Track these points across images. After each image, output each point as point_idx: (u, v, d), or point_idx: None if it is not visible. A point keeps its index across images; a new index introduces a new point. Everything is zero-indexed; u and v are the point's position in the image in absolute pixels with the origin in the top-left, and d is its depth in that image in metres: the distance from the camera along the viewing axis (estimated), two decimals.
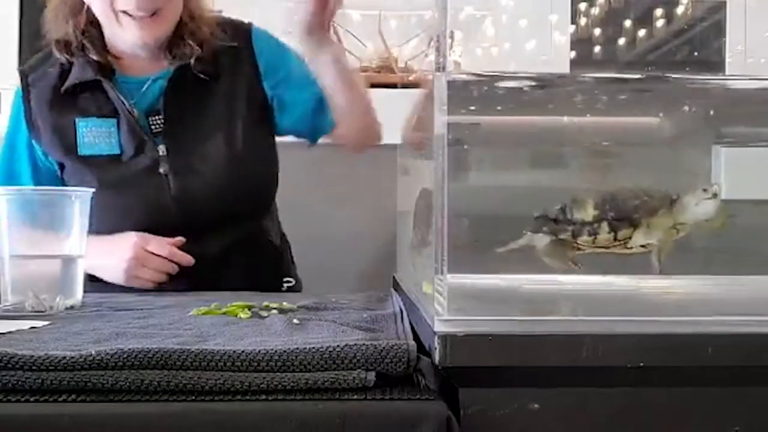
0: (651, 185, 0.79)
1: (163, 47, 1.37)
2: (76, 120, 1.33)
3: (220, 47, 1.38)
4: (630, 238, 0.76)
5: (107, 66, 1.34)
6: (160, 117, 1.34)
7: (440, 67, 0.73)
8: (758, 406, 0.69)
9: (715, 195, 0.74)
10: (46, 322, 0.88)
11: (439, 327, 0.67)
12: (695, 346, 0.67)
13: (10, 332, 0.81)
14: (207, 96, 1.35)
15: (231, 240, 1.37)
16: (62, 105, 1.32)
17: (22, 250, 1.04)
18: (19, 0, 2.18)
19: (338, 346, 0.66)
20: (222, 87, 1.36)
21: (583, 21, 1.92)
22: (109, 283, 1.38)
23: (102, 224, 1.34)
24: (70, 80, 1.33)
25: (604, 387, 0.68)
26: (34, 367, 0.63)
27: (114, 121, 1.32)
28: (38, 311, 1.01)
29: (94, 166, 1.33)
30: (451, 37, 0.75)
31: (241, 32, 1.43)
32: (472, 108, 0.76)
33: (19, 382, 0.63)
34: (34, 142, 1.36)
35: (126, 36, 1.31)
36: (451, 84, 0.73)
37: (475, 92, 0.76)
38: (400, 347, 0.66)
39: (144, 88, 1.35)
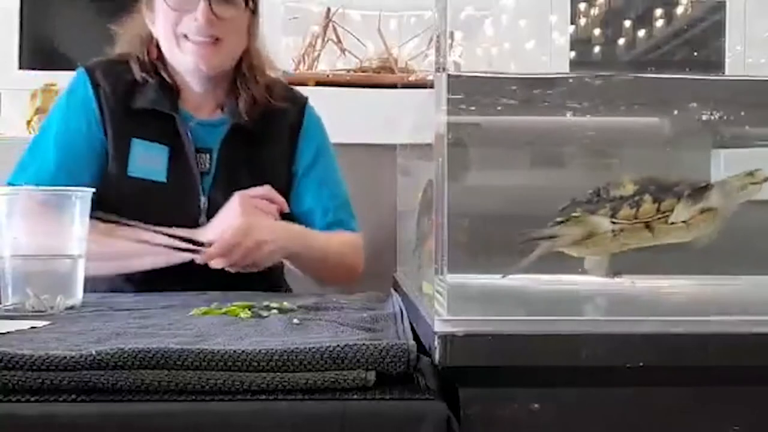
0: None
1: (220, 92, 1.38)
2: (133, 140, 1.33)
3: (274, 108, 1.40)
4: (672, 210, 0.75)
5: (175, 93, 1.36)
6: (210, 157, 1.35)
7: (440, 67, 0.73)
8: (758, 406, 0.69)
9: (766, 179, 0.73)
10: (46, 322, 0.88)
11: (439, 327, 0.67)
12: (695, 346, 0.67)
13: (10, 332, 0.81)
14: (253, 155, 1.36)
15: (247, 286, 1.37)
16: (125, 120, 1.33)
17: (23, 250, 1.04)
18: (19, 1, 2.18)
19: (338, 346, 0.66)
20: (266, 149, 1.38)
21: (582, 21, 1.92)
22: (112, 284, 1.39)
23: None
24: (143, 102, 1.34)
25: (604, 387, 0.68)
26: (34, 367, 0.63)
27: (167, 148, 1.33)
28: (38, 311, 1.00)
29: (135, 188, 1.33)
30: (451, 37, 0.75)
31: (297, 104, 1.44)
32: (472, 108, 0.76)
33: (19, 382, 0.63)
34: (104, 140, 1.35)
35: (185, 60, 1.32)
36: (451, 84, 0.73)
37: (474, 92, 0.76)
38: (400, 347, 0.66)
39: (198, 127, 1.36)
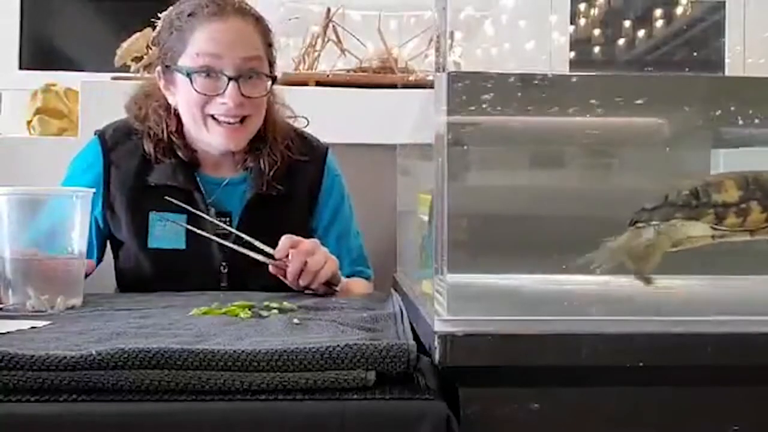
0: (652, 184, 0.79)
1: (240, 153, 1.36)
2: (151, 214, 1.32)
3: (293, 163, 1.38)
4: None
5: (193, 164, 1.34)
6: (228, 220, 1.33)
7: (440, 67, 0.73)
8: (758, 406, 0.69)
9: None
10: (47, 322, 0.89)
11: (439, 327, 0.67)
12: (695, 346, 0.67)
13: (10, 332, 0.81)
14: (273, 216, 1.34)
15: None
16: (141, 196, 1.31)
17: (24, 250, 1.04)
18: (19, 1, 2.18)
19: (338, 346, 0.66)
20: (286, 209, 1.36)
21: (582, 21, 1.93)
22: (117, 286, 1.39)
23: (139, 289, 1.33)
24: (159, 178, 1.32)
25: (604, 387, 0.68)
26: (34, 367, 0.63)
27: (185, 217, 1.31)
28: (39, 311, 1.01)
29: (155, 258, 1.32)
30: (451, 37, 0.75)
31: (316, 158, 1.42)
32: (472, 108, 0.76)
33: (19, 382, 0.63)
34: (104, 217, 1.34)
35: (211, 140, 1.31)
36: (451, 84, 0.73)
37: (474, 92, 0.76)
38: (400, 347, 0.66)
39: (216, 188, 1.34)
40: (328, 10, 1.95)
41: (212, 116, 1.28)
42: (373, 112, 1.80)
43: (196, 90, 1.26)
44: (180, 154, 1.33)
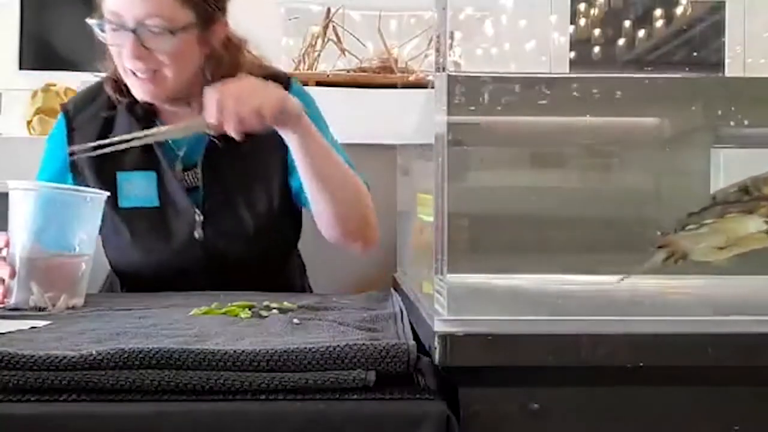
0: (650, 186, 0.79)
1: (196, 103, 1.32)
2: (117, 173, 1.32)
3: None
4: None
5: (150, 116, 1.33)
6: (197, 172, 1.33)
7: (440, 67, 0.73)
8: (758, 406, 0.69)
9: None
10: (47, 322, 0.88)
11: (439, 327, 0.67)
12: (695, 346, 0.67)
13: (10, 332, 0.81)
14: (242, 154, 1.31)
15: (253, 284, 1.36)
16: (105, 155, 1.28)
17: (31, 247, 1.03)
18: (19, 1, 2.18)
19: (338, 346, 0.66)
20: (256, 144, 1.29)
21: (582, 21, 1.93)
22: (119, 286, 1.39)
23: (125, 267, 1.35)
24: (116, 134, 1.30)
25: (604, 387, 0.68)
26: (34, 367, 0.63)
27: (153, 174, 1.32)
28: (40, 308, 1.00)
29: (129, 217, 1.32)
30: (451, 37, 0.75)
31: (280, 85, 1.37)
32: (472, 108, 0.76)
33: (19, 382, 0.63)
34: (77, 183, 1.33)
35: (135, 94, 1.31)
36: (451, 84, 0.73)
37: (474, 92, 0.76)
38: (400, 347, 0.66)
39: (178, 141, 1.33)
40: (328, 10, 1.95)
41: (130, 69, 1.28)
42: (373, 112, 1.80)
43: (105, 42, 1.27)
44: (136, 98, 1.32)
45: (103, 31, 1.27)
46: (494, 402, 0.67)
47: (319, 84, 1.84)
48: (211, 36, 1.33)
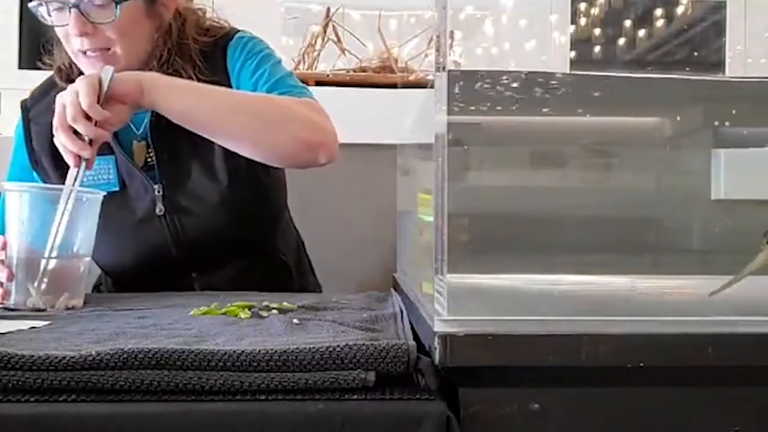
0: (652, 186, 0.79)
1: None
2: None
3: (201, 66, 1.30)
4: None
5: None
6: (151, 150, 1.31)
7: (440, 67, 0.73)
8: (758, 406, 0.69)
9: None
10: (46, 322, 0.88)
11: (439, 327, 0.67)
12: (695, 346, 0.67)
13: (10, 332, 0.81)
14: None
15: (238, 269, 1.34)
16: None
17: (29, 248, 1.04)
18: (19, 1, 2.18)
19: (338, 346, 0.66)
20: None
21: (583, 21, 1.92)
22: (118, 285, 1.38)
23: (103, 259, 1.33)
24: None
25: (604, 387, 0.68)
26: (34, 367, 0.63)
27: (112, 158, 1.30)
28: (39, 310, 1.00)
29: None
30: (451, 37, 0.75)
31: (219, 47, 1.35)
32: (472, 108, 0.76)
33: (19, 382, 0.63)
34: (37, 172, 1.33)
35: (86, 73, 1.25)
36: (451, 84, 0.73)
37: (474, 92, 0.76)
38: (400, 347, 0.66)
39: (133, 119, 1.26)
40: (328, 9, 1.96)
41: (80, 51, 1.25)
42: (373, 112, 1.81)
43: (52, 24, 1.24)
44: None
45: (48, 15, 1.23)
46: (494, 402, 0.67)
47: (319, 84, 1.84)
48: (161, 8, 1.29)
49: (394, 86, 1.85)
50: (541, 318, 0.72)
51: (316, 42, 1.95)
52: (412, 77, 1.86)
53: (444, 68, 0.73)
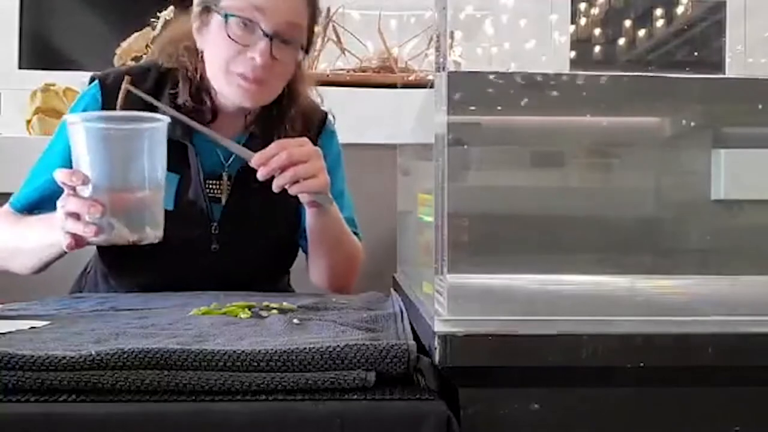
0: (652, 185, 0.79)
1: (254, 115, 1.34)
2: None
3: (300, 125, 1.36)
4: None
5: (197, 113, 1.29)
6: (224, 183, 1.32)
7: (440, 67, 0.73)
8: (758, 406, 0.69)
9: None
10: (47, 322, 0.89)
11: (439, 327, 0.67)
12: (695, 346, 0.67)
13: (10, 332, 0.81)
14: (267, 181, 1.26)
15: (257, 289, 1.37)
16: None
17: (108, 181, 1.01)
18: (19, 1, 2.18)
19: (338, 346, 0.66)
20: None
21: (583, 21, 1.92)
22: (117, 284, 1.38)
23: (137, 273, 1.32)
24: None
25: (604, 387, 0.68)
26: (34, 367, 0.63)
27: (177, 177, 1.29)
28: (132, 240, 1.01)
29: None
30: (451, 37, 0.75)
31: (315, 123, 1.42)
32: (472, 108, 0.76)
33: (19, 382, 0.63)
34: None
35: (229, 93, 1.27)
36: (451, 84, 0.73)
37: (474, 92, 0.76)
38: (400, 347, 0.66)
39: (216, 151, 1.31)
40: (328, 9, 1.95)
41: (236, 71, 1.24)
42: (373, 112, 1.81)
43: (228, 35, 1.22)
44: (206, 99, 1.30)
45: (225, 19, 1.22)
46: (494, 402, 0.67)
47: (319, 84, 1.84)
48: (303, 62, 1.34)
49: (394, 86, 1.85)
50: (541, 318, 0.72)
51: (316, 42, 1.95)
52: (412, 77, 1.86)
53: (444, 68, 0.73)
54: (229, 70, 1.25)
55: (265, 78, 1.25)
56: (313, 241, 1.35)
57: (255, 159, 1.17)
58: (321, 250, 1.37)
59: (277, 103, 1.34)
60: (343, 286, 1.41)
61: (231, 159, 1.33)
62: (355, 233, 1.43)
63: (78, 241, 1.05)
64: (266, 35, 1.21)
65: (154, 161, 1.04)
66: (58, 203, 1.06)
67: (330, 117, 1.46)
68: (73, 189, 1.03)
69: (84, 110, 1.30)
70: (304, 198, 1.22)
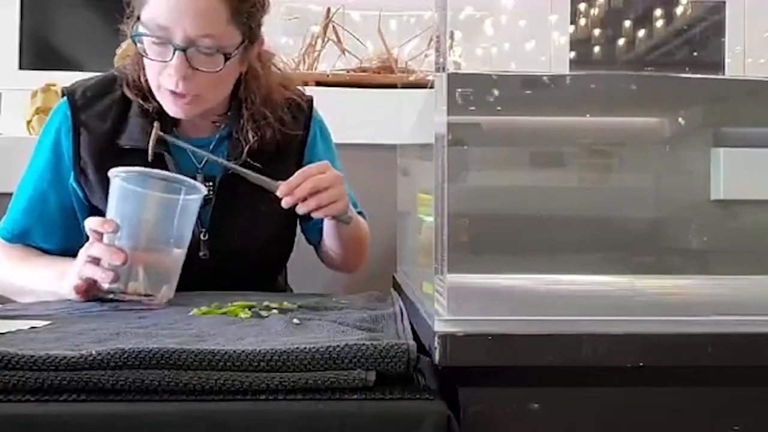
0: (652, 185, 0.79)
1: (223, 114, 1.33)
2: None
3: (285, 134, 1.35)
4: None
5: (166, 123, 1.28)
6: (212, 185, 1.30)
7: (440, 68, 0.73)
8: (758, 406, 0.69)
9: None
10: (47, 322, 0.88)
11: (439, 327, 0.67)
12: (695, 346, 0.67)
13: (10, 332, 0.81)
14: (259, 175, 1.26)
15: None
16: (113, 158, 1.22)
17: (143, 240, 1.05)
18: (19, 1, 2.18)
19: (338, 346, 0.66)
20: (270, 169, 1.28)
21: (583, 21, 1.93)
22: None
23: None
24: (127, 140, 1.27)
25: (604, 387, 0.68)
26: (34, 367, 0.63)
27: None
28: (145, 295, 1.03)
29: None
30: (451, 37, 0.75)
31: (305, 111, 1.40)
32: (472, 108, 0.76)
33: (19, 382, 0.63)
34: (79, 183, 1.29)
35: (168, 110, 1.25)
36: (450, 84, 0.73)
37: (474, 92, 0.76)
38: (400, 347, 0.66)
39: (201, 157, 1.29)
40: (328, 10, 1.95)
41: (170, 90, 1.23)
42: (373, 112, 1.81)
43: (144, 55, 1.21)
44: (152, 100, 1.28)
45: (140, 42, 1.21)
46: (494, 402, 0.67)
47: (319, 84, 1.84)
48: (250, 54, 1.30)
49: (394, 86, 1.85)
50: (541, 318, 0.72)
51: (316, 42, 1.95)
52: (412, 77, 1.86)
53: (444, 69, 0.73)
54: (159, 86, 1.24)
55: (191, 90, 1.22)
56: (330, 241, 1.39)
57: (281, 190, 1.18)
58: (337, 247, 1.40)
59: (245, 102, 1.32)
60: (357, 266, 1.48)
61: (203, 163, 1.30)
62: (360, 213, 1.44)
63: (88, 288, 1.07)
64: (178, 49, 1.18)
65: (183, 226, 1.08)
66: (81, 251, 1.07)
67: (314, 104, 1.44)
68: (100, 236, 1.05)
69: (57, 129, 1.30)
70: (322, 214, 1.23)
